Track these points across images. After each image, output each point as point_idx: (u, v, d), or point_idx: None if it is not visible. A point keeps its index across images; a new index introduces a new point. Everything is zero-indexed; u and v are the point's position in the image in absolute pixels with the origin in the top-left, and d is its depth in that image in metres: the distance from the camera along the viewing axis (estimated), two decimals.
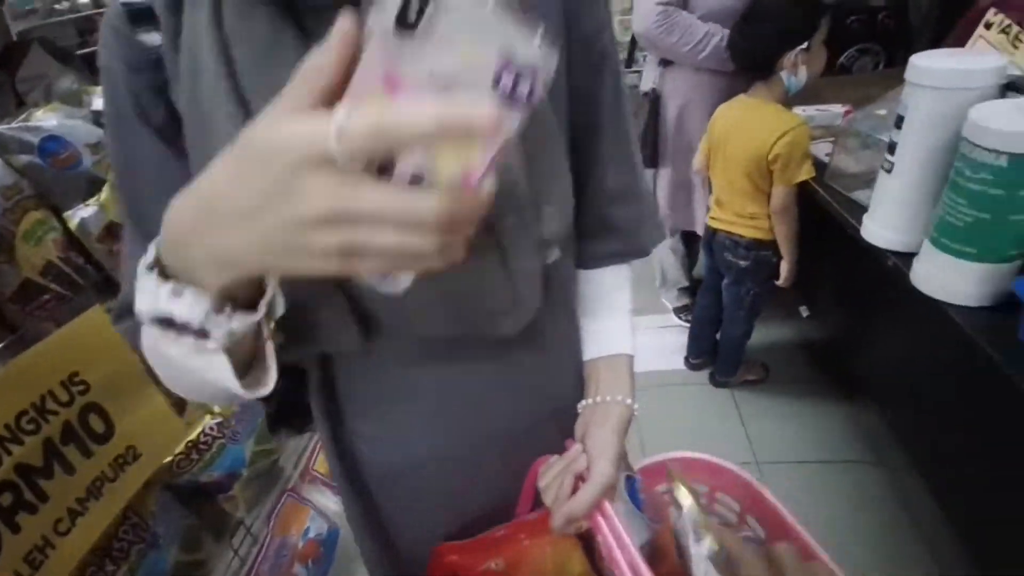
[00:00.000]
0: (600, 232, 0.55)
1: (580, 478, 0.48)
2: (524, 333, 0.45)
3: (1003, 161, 0.74)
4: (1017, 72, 0.97)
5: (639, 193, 0.55)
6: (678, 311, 2.09)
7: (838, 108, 1.57)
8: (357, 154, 0.21)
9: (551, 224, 0.43)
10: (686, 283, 2.06)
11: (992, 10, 1.13)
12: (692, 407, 1.79)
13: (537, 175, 0.40)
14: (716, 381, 1.82)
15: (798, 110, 1.52)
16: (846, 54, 2.49)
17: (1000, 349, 0.76)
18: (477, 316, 0.43)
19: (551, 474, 0.49)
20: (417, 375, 0.49)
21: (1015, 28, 1.09)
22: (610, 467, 0.47)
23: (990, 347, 0.77)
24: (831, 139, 1.36)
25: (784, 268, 1.40)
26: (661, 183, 1.79)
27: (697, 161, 1.52)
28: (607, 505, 0.46)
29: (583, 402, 0.55)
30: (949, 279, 0.84)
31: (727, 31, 1.41)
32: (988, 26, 1.12)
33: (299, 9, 0.36)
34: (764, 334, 1.97)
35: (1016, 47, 1.07)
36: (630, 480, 0.54)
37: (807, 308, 1.80)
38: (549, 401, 0.55)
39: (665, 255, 2.00)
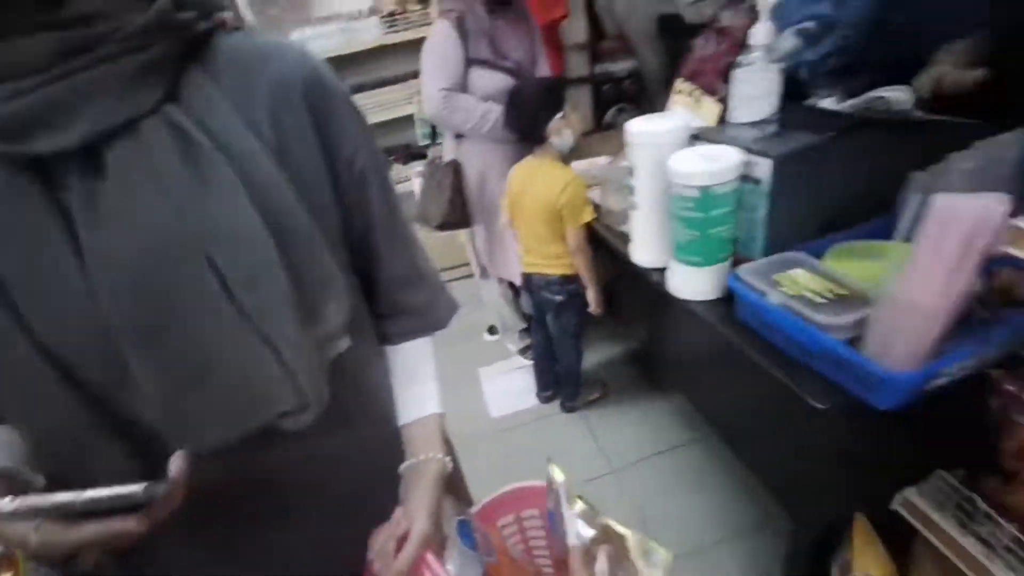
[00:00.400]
0: (396, 314, 0.62)
1: (404, 538, 0.52)
2: (326, 417, 0.48)
3: (696, 193, 1.00)
4: (700, 124, 1.32)
5: (425, 277, 0.64)
6: (522, 352, 2.26)
7: (605, 160, 1.92)
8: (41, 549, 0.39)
9: (335, 319, 0.48)
10: (524, 325, 2.24)
11: (679, 79, 1.52)
12: (550, 437, 1.93)
13: (310, 282, 0.45)
14: (566, 408, 1.99)
15: (575, 164, 1.82)
16: (608, 113, 3.06)
17: (730, 328, 1.01)
18: (264, 420, 0.44)
19: (379, 542, 0.53)
20: (221, 473, 0.50)
21: (698, 92, 1.48)
22: (427, 522, 0.52)
23: (723, 328, 1.01)
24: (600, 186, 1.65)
25: (591, 296, 1.63)
26: (478, 240, 1.97)
27: (503, 218, 1.72)
28: (429, 556, 0.51)
29: (403, 465, 0.59)
30: (689, 283, 1.09)
31: (502, 107, 1.66)
32: (679, 92, 1.49)
33: (41, 158, 0.38)
34: (597, 355, 2.22)
35: (699, 106, 1.45)
36: (462, 523, 0.60)
37: (623, 325, 2.09)
38: (367, 473, 0.58)
39: (499, 303, 2.17)
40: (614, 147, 1.94)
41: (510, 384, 2.17)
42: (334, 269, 0.49)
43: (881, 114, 1.06)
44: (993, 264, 0.86)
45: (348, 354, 0.52)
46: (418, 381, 0.64)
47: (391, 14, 2.58)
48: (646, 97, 3.04)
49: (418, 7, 2.61)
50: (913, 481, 0.89)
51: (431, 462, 0.58)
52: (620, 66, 3.03)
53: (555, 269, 1.63)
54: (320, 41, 2.47)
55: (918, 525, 0.87)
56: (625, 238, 1.39)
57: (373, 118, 2.79)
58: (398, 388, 0.64)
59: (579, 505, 0.52)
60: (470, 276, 2.43)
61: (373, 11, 2.63)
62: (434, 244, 2.21)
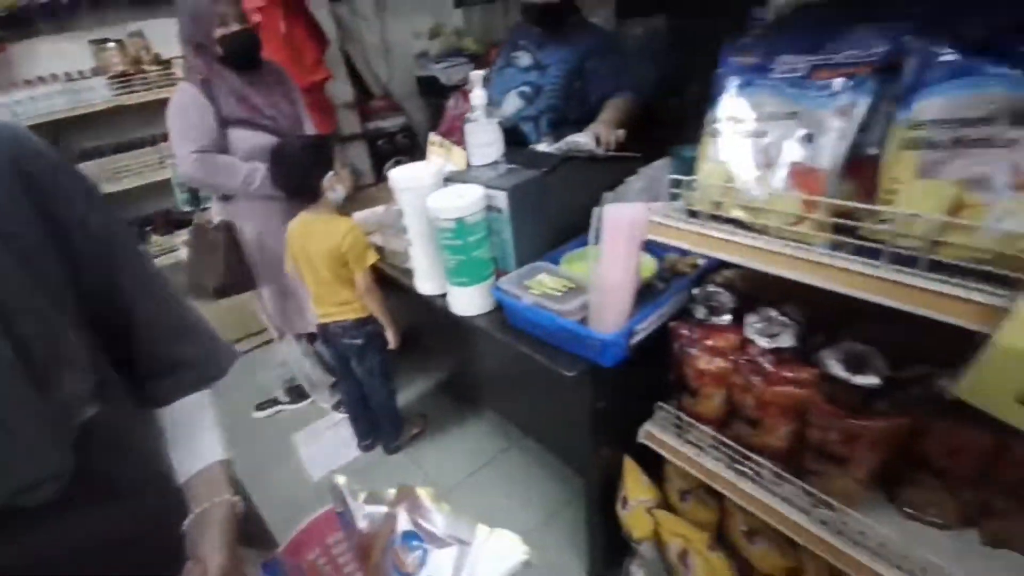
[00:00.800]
0: (171, 369, 0.61)
1: None
2: (85, 489, 0.46)
3: (453, 224, 1.18)
4: (452, 169, 1.54)
5: (195, 329, 0.64)
6: (335, 407, 2.20)
7: (383, 207, 2.04)
8: None
9: (74, 385, 0.47)
10: (332, 379, 2.19)
11: (432, 134, 1.74)
12: (377, 483, 1.88)
13: (38, 350, 0.44)
14: (389, 450, 2.00)
15: (357, 214, 1.91)
16: (386, 166, 3.23)
17: (503, 333, 1.20)
18: (4, 494, 0.43)
19: None
20: None
21: (448, 143, 1.71)
22: (220, 556, 0.53)
23: (498, 333, 1.20)
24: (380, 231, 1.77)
25: (389, 335, 1.71)
26: (266, 300, 1.90)
27: (288, 268, 1.70)
28: None
29: (185, 522, 0.57)
30: (465, 301, 1.27)
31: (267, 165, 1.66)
32: (432, 144, 1.71)
33: None
34: (411, 391, 2.29)
35: (451, 155, 1.68)
36: (267, 565, 0.61)
37: (428, 356, 2.20)
38: (148, 547, 0.56)
39: (301, 362, 2.09)
40: (391, 196, 2.10)
41: (327, 442, 2.09)
42: (67, 335, 0.48)
43: (578, 153, 1.41)
44: (661, 251, 1.21)
45: (100, 419, 0.50)
46: (198, 434, 0.63)
47: (123, 74, 2.36)
48: (418, 149, 3.30)
49: (156, 67, 2.44)
50: (647, 417, 1.17)
51: (217, 506, 0.58)
52: (391, 122, 3.25)
53: (348, 314, 1.67)
54: (34, 104, 2.15)
55: (657, 448, 1.15)
56: (410, 274, 1.52)
57: (122, 184, 2.48)
58: (176, 446, 0.62)
59: (362, 495, 0.59)
60: (271, 341, 2.29)
61: (97, 71, 2.37)
62: (222, 314, 2.03)
